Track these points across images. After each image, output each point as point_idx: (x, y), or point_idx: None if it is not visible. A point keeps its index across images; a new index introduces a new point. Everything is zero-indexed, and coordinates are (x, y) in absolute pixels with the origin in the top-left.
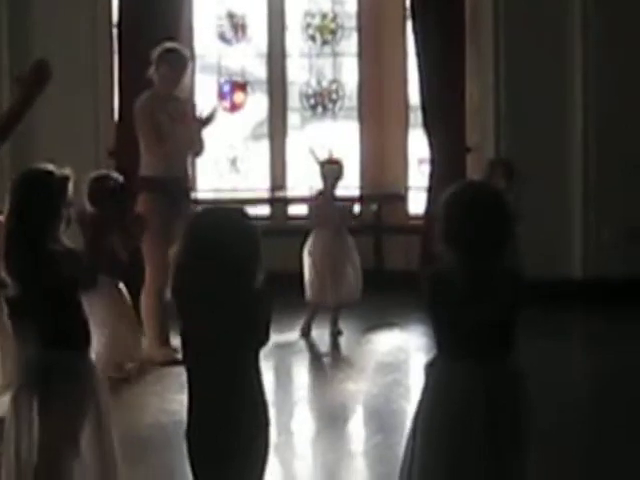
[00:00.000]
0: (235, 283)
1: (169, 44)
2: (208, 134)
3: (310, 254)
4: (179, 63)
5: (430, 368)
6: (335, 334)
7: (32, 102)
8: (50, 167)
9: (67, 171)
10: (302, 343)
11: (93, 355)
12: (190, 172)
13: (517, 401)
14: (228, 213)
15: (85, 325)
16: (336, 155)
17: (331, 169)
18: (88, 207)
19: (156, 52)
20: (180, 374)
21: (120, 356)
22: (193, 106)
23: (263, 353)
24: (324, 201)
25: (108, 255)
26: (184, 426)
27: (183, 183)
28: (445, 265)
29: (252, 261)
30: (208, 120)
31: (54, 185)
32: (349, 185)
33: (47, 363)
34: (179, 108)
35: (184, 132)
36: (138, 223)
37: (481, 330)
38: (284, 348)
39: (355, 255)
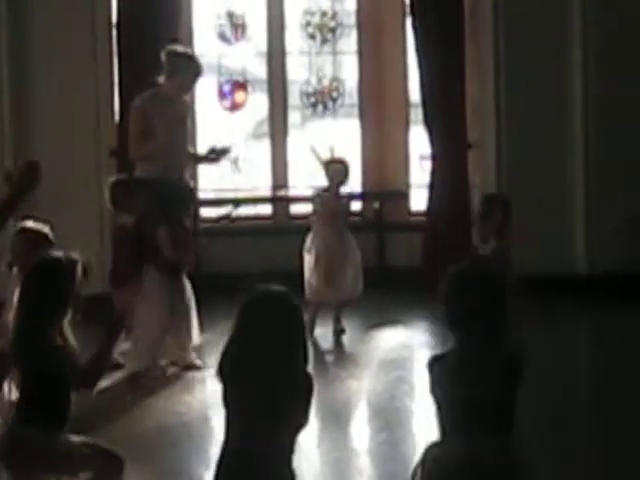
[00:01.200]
0: (282, 368)
1: (188, 50)
2: (209, 133)
3: (309, 252)
4: (198, 73)
5: (430, 450)
6: (338, 332)
7: (19, 204)
8: (59, 254)
9: (75, 255)
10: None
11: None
12: (189, 174)
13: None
14: (276, 297)
15: (67, 409)
16: (338, 153)
17: (336, 169)
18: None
19: (177, 57)
20: (186, 377)
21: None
22: (189, 109)
23: None
24: (328, 199)
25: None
26: (190, 428)
27: (179, 185)
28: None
29: (299, 346)
30: (221, 154)
31: (65, 274)
32: (351, 183)
33: (20, 437)
34: (180, 111)
35: (182, 135)
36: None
37: (476, 410)
38: None
39: (356, 253)
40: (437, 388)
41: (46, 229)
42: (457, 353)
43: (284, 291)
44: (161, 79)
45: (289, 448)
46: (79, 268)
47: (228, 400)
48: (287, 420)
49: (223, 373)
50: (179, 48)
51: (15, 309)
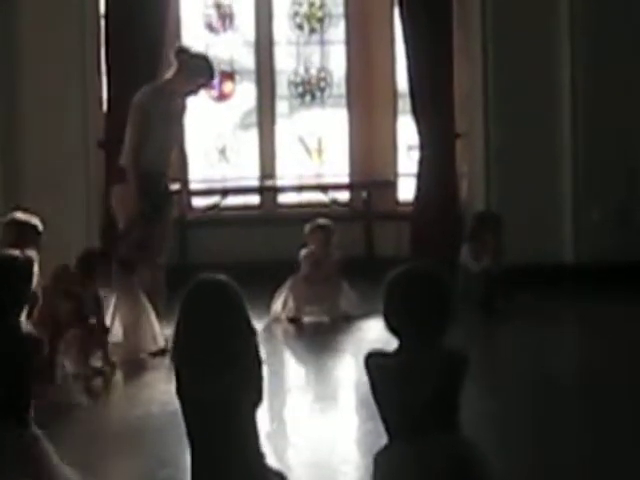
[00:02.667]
0: (230, 348)
1: (202, 53)
2: (197, 124)
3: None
4: (212, 77)
5: (380, 456)
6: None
7: None
8: (14, 252)
9: (31, 254)
10: (292, 330)
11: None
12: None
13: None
14: (214, 284)
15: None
16: (326, 144)
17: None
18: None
19: (197, 59)
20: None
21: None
22: (186, 108)
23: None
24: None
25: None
26: (175, 417)
27: (164, 179)
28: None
29: (244, 326)
30: None
31: (19, 271)
32: (339, 173)
33: None
34: (177, 107)
35: (175, 131)
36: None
37: (417, 409)
38: (275, 336)
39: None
40: (377, 390)
41: (35, 220)
42: (397, 355)
43: (223, 278)
44: (169, 74)
45: (249, 429)
46: (35, 267)
47: (182, 387)
48: (240, 400)
49: (174, 362)
50: (195, 49)
51: None
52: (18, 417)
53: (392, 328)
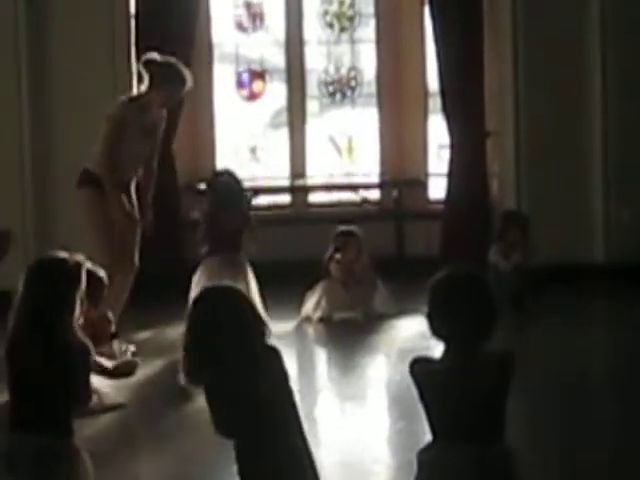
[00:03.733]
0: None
1: (173, 60)
2: (227, 123)
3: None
4: (185, 83)
5: (423, 454)
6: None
7: None
8: (63, 255)
9: (80, 257)
10: (323, 329)
11: None
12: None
13: None
14: (218, 293)
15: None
16: (356, 142)
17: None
18: None
19: (165, 67)
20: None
21: None
22: (163, 119)
23: (287, 340)
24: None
25: None
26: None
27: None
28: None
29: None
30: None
31: (69, 274)
32: (369, 172)
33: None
34: (153, 119)
35: (151, 143)
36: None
37: (467, 414)
38: (306, 335)
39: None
40: (425, 397)
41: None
42: (444, 361)
43: (226, 287)
44: (142, 88)
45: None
46: (84, 271)
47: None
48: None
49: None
50: (164, 58)
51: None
52: (62, 426)
53: (437, 333)
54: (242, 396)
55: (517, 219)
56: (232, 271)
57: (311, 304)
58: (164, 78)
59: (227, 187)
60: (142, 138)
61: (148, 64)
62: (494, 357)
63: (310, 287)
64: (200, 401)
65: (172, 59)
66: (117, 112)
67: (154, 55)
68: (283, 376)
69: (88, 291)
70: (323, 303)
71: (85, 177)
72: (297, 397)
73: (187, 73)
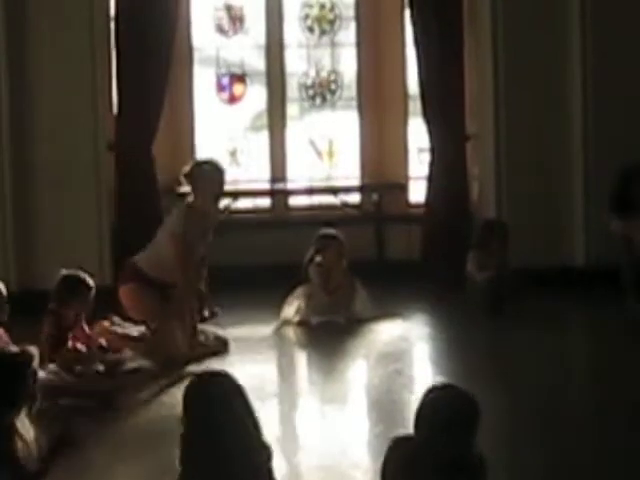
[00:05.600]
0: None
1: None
2: (208, 127)
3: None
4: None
5: None
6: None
7: None
8: (14, 349)
9: (32, 350)
10: (303, 333)
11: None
12: None
13: None
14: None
15: None
16: (336, 146)
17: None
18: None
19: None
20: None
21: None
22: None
23: (267, 343)
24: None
25: None
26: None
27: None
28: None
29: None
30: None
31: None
32: (349, 175)
33: None
34: (211, 222)
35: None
36: None
37: None
38: (285, 338)
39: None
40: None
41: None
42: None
43: (222, 375)
44: (190, 197)
45: None
46: (35, 363)
47: None
48: None
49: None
50: (194, 163)
51: None
52: None
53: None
54: None
55: (497, 228)
56: None
57: (291, 308)
58: (203, 181)
59: None
60: (202, 241)
61: (187, 177)
62: (468, 460)
63: (290, 291)
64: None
65: (200, 160)
66: (180, 229)
67: (186, 168)
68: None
69: (78, 302)
70: (303, 306)
71: (133, 274)
72: (276, 401)
73: (216, 163)
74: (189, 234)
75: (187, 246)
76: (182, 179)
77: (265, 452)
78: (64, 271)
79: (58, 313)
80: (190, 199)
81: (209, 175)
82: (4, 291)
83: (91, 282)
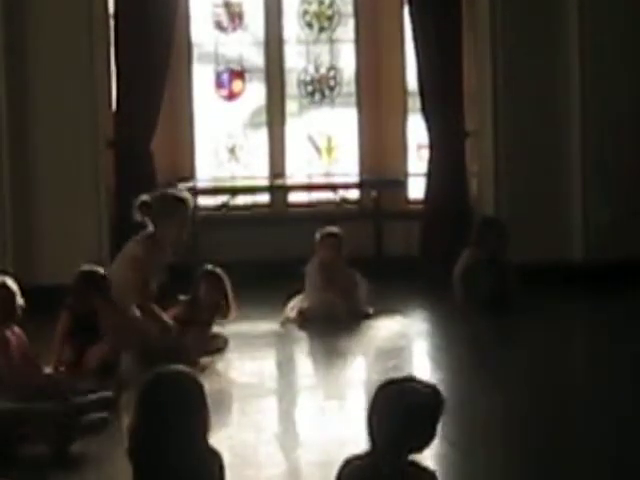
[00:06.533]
0: (185, 448)
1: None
2: (207, 123)
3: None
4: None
5: None
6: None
7: None
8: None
9: None
10: (302, 329)
11: None
12: None
13: None
14: (171, 377)
15: None
16: (335, 142)
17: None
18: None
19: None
20: None
21: None
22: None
23: (266, 340)
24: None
25: None
26: None
27: None
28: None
29: (199, 421)
30: None
31: None
32: (348, 172)
33: None
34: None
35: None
36: None
37: None
38: (284, 336)
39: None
40: None
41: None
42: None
43: (179, 371)
44: (150, 227)
45: None
46: None
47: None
48: None
49: (132, 456)
50: (153, 194)
51: None
52: None
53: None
54: None
55: (495, 226)
56: None
57: (292, 306)
58: (164, 216)
59: None
60: (157, 274)
61: (144, 207)
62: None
63: (290, 290)
64: None
65: (162, 192)
66: (142, 254)
67: (143, 197)
68: None
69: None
70: (302, 303)
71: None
72: (276, 397)
73: (179, 196)
74: (146, 264)
75: (144, 274)
76: (137, 209)
77: (216, 459)
78: (84, 266)
79: (75, 308)
80: (150, 229)
81: (170, 211)
82: (15, 288)
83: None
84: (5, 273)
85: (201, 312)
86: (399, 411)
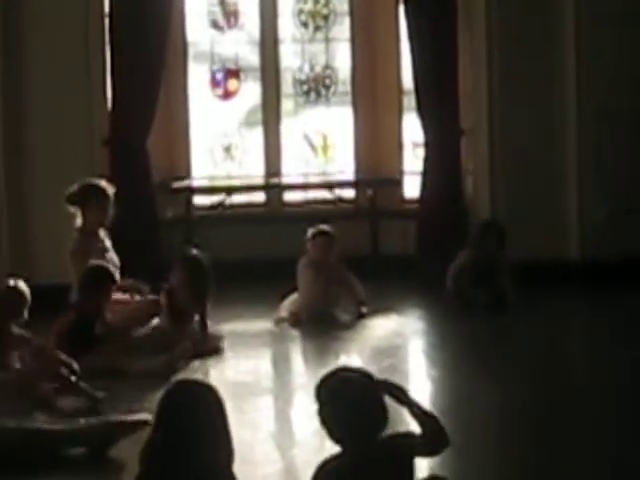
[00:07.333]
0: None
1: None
2: (202, 122)
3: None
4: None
5: None
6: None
7: None
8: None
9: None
10: (297, 329)
11: None
12: None
13: None
14: (194, 390)
15: None
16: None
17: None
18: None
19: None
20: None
21: None
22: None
23: (261, 339)
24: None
25: None
26: None
27: None
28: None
29: (218, 438)
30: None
31: None
32: (344, 170)
33: None
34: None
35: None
36: None
37: None
38: (280, 335)
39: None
40: None
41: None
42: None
43: (204, 385)
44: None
45: None
46: None
47: None
48: None
49: (142, 462)
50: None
51: None
52: None
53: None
54: None
55: (494, 228)
56: None
57: (287, 306)
58: (90, 206)
59: None
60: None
61: (73, 198)
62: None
63: (285, 289)
64: None
65: (87, 183)
66: (76, 247)
67: (69, 190)
68: None
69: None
70: (298, 302)
71: None
72: (271, 396)
73: (103, 187)
74: (82, 255)
75: (85, 264)
76: (65, 202)
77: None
78: (92, 263)
79: (81, 304)
80: (78, 222)
81: (95, 201)
82: (27, 292)
83: (116, 276)
84: (15, 276)
85: (182, 298)
86: (347, 398)
